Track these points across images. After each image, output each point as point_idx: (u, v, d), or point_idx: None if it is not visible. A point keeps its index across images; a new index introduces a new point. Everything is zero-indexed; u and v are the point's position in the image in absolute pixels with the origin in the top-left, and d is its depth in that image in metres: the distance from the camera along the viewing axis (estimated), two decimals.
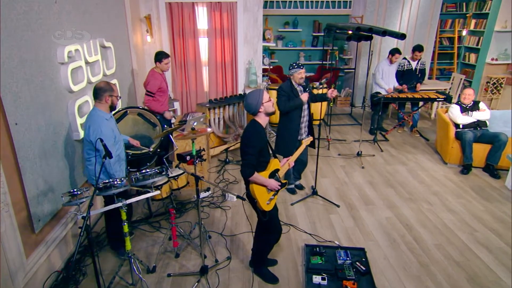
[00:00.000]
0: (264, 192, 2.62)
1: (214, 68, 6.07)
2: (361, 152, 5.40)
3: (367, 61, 6.17)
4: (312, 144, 3.86)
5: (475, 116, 4.94)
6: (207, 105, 5.28)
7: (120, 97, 2.95)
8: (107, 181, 2.35)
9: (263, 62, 6.32)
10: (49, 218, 2.82)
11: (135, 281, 2.78)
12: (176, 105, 5.73)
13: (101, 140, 2.28)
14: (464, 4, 8.44)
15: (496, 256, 3.23)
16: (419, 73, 6.19)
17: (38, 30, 2.69)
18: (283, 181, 2.77)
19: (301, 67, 3.86)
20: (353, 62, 8.27)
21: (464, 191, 4.43)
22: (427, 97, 5.92)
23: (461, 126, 4.99)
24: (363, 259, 3.10)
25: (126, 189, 2.60)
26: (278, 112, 4.16)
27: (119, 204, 2.38)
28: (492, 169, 4.82)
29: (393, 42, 7.54)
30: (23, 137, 2.46)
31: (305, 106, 3.94)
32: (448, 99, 5.83)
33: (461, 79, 7.22)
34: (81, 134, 3.28)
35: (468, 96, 5.00)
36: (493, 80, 7.46)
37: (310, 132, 4.12)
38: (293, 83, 3.91)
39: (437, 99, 5.89)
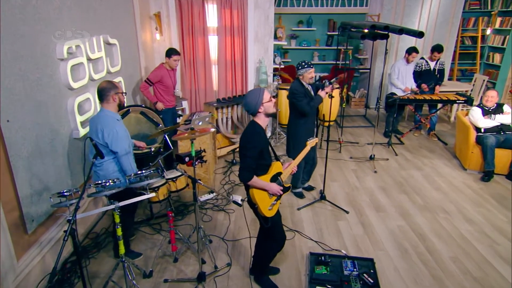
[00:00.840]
0: (265, 197, 2.47)
1: (224, 66, 5.95)
2: (374, 155, 5.16)
3: (383, 60, 5.93)
4: None
5: (498, 120, 4.64)
6: (215, 104, 5.16)
7: (125, 93, 2.83)
8: (99, 182, 2.24)
9: (274, 61, 6.15)
10: (44, 218, 2.74)
11: (128, 287, 2.67)
12: (185, 104, 5.64)
13: (91, 139, 2.18)
14: (489, 1, 8.02)
15: None
16: (437, 74, 5.89)
17: (35, 25, 2.61)
18: (287, 185, 2.61)
19: (311, 66, 3.70)
20: (368, 62, 8.00)
21: (484, 199, 4.15)
22: (446, 99, 5.60)
23: (482, 130, 4.69)
24: (371, 271, 2.90)
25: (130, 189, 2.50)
26: (287, 113, 4.01)
27: (112, 207, 2.27)
28: None
29: (411, 41, 7.24)
30: (15, 134, 2.39)
31: None
32: (469, 101, 5.51)
33: (483, 80, 6.86)
34: (81, 132, 3.21)
35: (491, 98, 4.71)
36: None
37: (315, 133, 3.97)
38: (303, 82, 3.75)
39: (457, 101, 5.57)
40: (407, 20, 7.27)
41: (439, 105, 6.10)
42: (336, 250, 3.25)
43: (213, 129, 3.28)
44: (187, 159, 2.72)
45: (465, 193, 4.30)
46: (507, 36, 7.46)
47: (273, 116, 2.40)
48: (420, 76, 5.91)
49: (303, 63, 3.69)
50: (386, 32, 5.45)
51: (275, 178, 2.52)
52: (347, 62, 6.61)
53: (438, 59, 5.82)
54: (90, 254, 3.20)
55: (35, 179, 2.61)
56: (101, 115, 2.69)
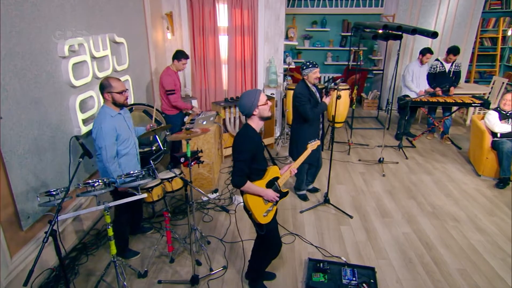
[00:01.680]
0: (260, 203, 2.39)
1: (234, 66, 5.91)
2: (383, 158, 5.01)
3: (395, 61, 5.76)
4: None
5: None
6: (222, 103, 5.12)
7: (124, 91, 2.80)
8: (89, 181, 2.22)
9: (285, 61, 6.06)
10: (41, 215, 2.75)
11: None
12: (194, 103, 5.62)
13: (77, 139, 2.16)
14: (511, 1, 7.69)
15: None
16: (453, 76, 5.66)
17: (34, 23, 2.62)
18: (284, 190, 2.52)
19: (316, 65, 3.61)
20: (382, 63, 7.80)
21: (498, 208, 3.94)
22: (461, 101, 5.37)
23: (498, 135, 4.47)
24: (372, 280, 2.77)
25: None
26: (291, 114, 3.93)
27: (101, 207, 2.24)
28: None
29: (427, 42, 7.00)
30: (9, 131, 2.39)
31: None
32: (485, 105, 5.27)
33: (503, 83, 6.57)
34: (83, 129, 3.22)
35: (509, 101, 4.48)
36: None
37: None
38: (308, 84, 3.66)
39: (472, 104, 5.34)
40: (423, 21, 7.04)
41: (454, 108, 5.87)
42: (336, 256, 3.14)
43: (210, 131, 3.21)
44: (182, 159, 2.67)
45: (477, 200, 4.10)
46: None
47: (269, 119, 2.31)
48: (435, 78, 5.69)
49: (308, 63, 3.60)
50: (399, 33, 5.29)
51: (271, 184, 2.43)
52: (359, 63, 6.45)
53: (454, 61, 5.60)
54: (89, 251, 3.21)
55: (32, 176, 2.62)
56: (100, 110, 2.77)
